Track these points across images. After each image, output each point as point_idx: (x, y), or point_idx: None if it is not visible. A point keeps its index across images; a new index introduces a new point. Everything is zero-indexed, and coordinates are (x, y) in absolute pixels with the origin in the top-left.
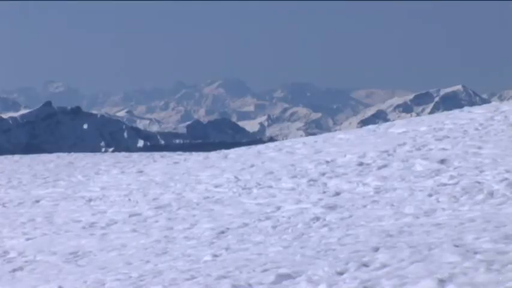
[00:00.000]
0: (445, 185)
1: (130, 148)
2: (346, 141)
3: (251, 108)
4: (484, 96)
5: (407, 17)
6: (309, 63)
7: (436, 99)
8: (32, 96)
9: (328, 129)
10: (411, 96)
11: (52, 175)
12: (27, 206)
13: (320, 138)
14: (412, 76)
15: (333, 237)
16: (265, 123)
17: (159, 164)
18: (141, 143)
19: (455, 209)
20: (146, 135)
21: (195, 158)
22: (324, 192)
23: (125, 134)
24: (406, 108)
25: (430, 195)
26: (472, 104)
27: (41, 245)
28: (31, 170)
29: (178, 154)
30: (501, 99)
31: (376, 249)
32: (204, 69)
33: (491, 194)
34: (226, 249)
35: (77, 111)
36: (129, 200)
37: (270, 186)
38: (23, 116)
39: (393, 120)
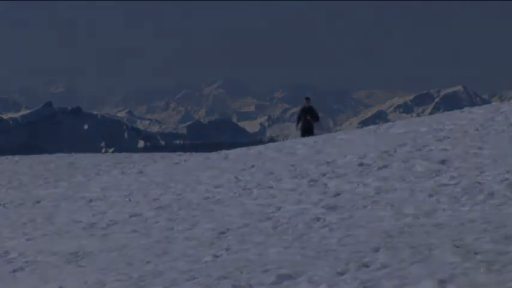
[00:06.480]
0: (445, 185)
1: (131, 148)
2: (347, 142)
3: (251, 108)
4: (485, 96)
5: (407, 17)
6: (310, 64)
7: (437, 99)
8: (32, 96)
9: (329, 130)
10: (411, 97)
11: (52, 176)
12: (28, 206)
13: (320, 138)
14: (413, 76)
15: (334, 238)
16: (266, 124)
17: (159, 164)
18: (141, 144)
19: (456, 209)
20: (146, 136)
21: (196, 159)
22: (325, 192)
23: (125, 135)
24: (406, 109)
25: (430, 195)
26: (472, 104)
27: (41, 245)
28: (31, 171)
29: (178, 155)
30: (501, 99)
31: (377, 250)
32: (204, 69)
33: (491, 195)
34: (227, 249)
35: (77, 112)
36: (130, 200)
37: (271, 187)
38: (23, 116)
39: (393, 120)
